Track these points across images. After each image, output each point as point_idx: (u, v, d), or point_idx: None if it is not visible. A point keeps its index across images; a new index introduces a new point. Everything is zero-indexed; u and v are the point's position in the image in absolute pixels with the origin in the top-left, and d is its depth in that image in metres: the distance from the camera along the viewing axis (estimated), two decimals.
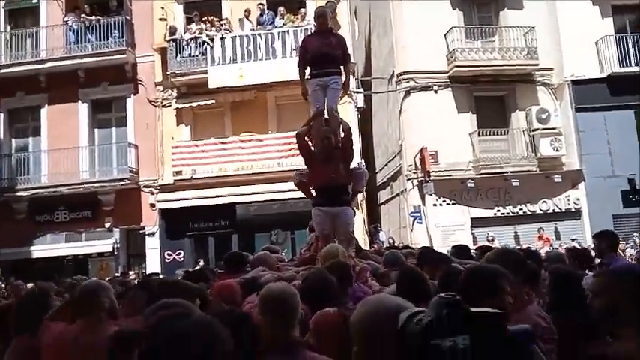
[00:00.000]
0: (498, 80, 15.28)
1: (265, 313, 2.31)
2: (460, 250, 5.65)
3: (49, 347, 2.64)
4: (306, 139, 6.28)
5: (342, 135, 6.07)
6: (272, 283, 3.08)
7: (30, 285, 6.15)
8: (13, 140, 16.46)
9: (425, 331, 1.12)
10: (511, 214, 14.84)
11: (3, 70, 15.83)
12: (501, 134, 15.28)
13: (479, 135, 14.96)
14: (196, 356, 0.99)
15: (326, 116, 6.52)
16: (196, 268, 8.08)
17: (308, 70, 6.41)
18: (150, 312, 1.92)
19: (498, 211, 14.85)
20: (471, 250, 6.26)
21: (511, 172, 14.54)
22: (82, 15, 15.84)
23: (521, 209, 14.87)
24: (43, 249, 15.25)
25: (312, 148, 6.38)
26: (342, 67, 6.44)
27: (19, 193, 15.21)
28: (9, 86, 15.91)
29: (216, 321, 1.19)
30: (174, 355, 1.03)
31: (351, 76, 13.69)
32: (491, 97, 15.59)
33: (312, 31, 6.64)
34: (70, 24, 15.81)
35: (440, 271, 3.83)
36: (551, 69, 15.58)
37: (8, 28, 16.69)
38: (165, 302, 1.38)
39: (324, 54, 6.14)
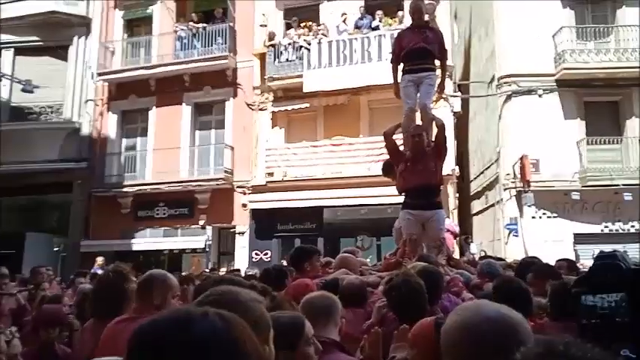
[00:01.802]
0: (613, 84, 14.01)
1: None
2: (567, 265, 5.14)
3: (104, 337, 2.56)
4: (394, 138, 6.03)
5: (436, 132, 5.74)
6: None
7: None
8: (124, 139, 17.70)
9: (576, 286, 0.89)
10: (620, 231, 13.49)
11: (118, 75, 17.11)
12: (614, 143, 13.97)
13: (588, 143, 13.78)
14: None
15: (418, 113, 6.25)
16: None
17: (401, 67, 6.17)
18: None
19: (606, 227, 13.58)
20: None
21: (623, 185, 13.22)
22: (190, 23, 16.74)
23: (632, 226, 13.47)
24: (143, 242, 16.15)
25: (402, 148, 6.14)
26: (438, 63, 6.14)
27: (125, 189, 16.26)
28: (123, 90, 17.20)
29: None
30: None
31: (449, 79, 13.30)
32: (603, 102, 14.36)
33: (408, 26, 6.37)
34: (178, 32, 16.78)
35: (549, 284, 3.44)
36: None
37: (125, 36, 18.05)
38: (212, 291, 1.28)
39: (418, 49, 5.86)
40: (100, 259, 12.69)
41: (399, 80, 6.18)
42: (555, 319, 3.12)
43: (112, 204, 16.25)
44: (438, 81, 6.26)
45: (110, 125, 17.43)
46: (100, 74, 17.19)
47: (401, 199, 5.98)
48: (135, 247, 16.01)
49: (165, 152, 16.10)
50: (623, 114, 14.26)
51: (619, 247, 12.55)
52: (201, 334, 0.84)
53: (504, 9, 14.73)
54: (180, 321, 0.87)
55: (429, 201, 5.56)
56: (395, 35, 13.86)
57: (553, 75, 14.22)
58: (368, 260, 7.92)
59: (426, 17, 6.50)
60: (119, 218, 16.19)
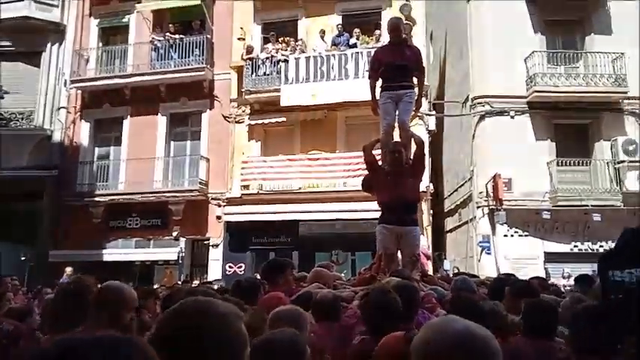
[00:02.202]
0: (581, 108, 14.42)
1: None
2: (540, 283, 5.21)
3: None
4: (373, 152, 6.07)
5: (415, 149, 5.80)
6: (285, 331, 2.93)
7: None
8: (97, 148, 17.40)
9: (603, 262, 0.90)
10: (589, 251, 13.77)
11: (92, 84, 16.89)
12: (583, 164, 14.35)
13: (558, 164, 14.12)
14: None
15: (397, 130, 6.30)
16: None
17: (379, 84, 6.21)
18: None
19: (575, 246, 13.86)
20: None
21: (592, 206, 13.57)
22: (167, 33, 16.66)
23: (601, 246, 13.75)
24: (114, 253, 15.85)
25: (380, 163, 6.17)
26: (415, 80, 6.20)
27: (96, 199, 15.98)
28: (97, 98, 17.00)
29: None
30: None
31: (424, 99, 13.52)
32: (572, 125, 14.73)
33: (386, 43, 6.42)
34: (155, 42, 16.67)
35: (524, 303, 3.45)
36: None
37: (100, 44, 17.84)
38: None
39: (397, 66, 5.91)
40: (68, 270, 12.40)
41: (377, 96, 6.23)
42: (529, 336, 3.14)
43: (83, 213, 15.92)
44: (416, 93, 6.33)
45: (83, 134, 17.15)
46: (73, 82, 16.97)
47: (376, 214, 5.99)
48: (106, 258, 15.68)
49: (139, 162, 15.91)
50: (591, 137, 14.67)
51: (587, 267, 12.91)
52: None
53: (479, 32, 15.09)
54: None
55: (405, 216, 5.58)
56: (372, 53, 14.31)
57: (525, 97, 14.56)
58: (342, 275, 7.88)
59: (403, 35, 6.59)
60: (90, 228, 15.86)
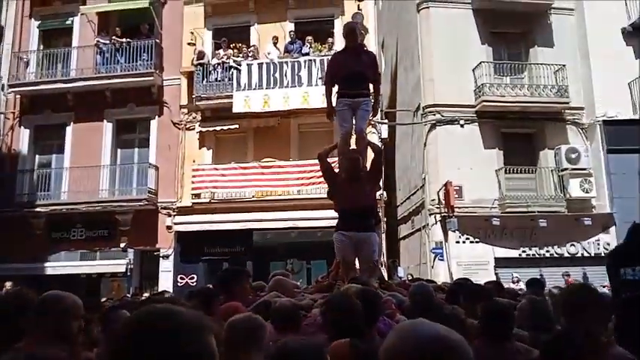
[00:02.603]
0: (527, 117, 14.94)
1: (227, 342, 2.15)
2: (495, 287, 5.27)
3: None
4: (328, 160, 6.00)
5: (372, 156, 5.78)
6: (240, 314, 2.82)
7: None
8: (37, 156, 16.59)
9: (612, 259, 0.80)
10: (537, 256, 14.24)
11: (32, 88, 16.10)
12: (529, 172, 14.84)
13: (506, 172, 14.53)
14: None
15: (354, 137, 6.26)
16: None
17: (335, 89, 6.16)
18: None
19: (524, 251, 14.28)
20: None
21: (538, 212, 14.03)
22: (113, 37, 16.09)
23: (547, 251, 14.27)
24: (57, 266, 15.15)
25: (337, 170, 6.11)
26: (371, 87, 6.19)
27: (37, 209, 15.20)
28: (37, 104, 16.24)
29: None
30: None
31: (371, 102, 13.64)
32: (519, 134, 15.23)
33: (342, 48, 6.38)
34: (100, 45, 16.06)
35: (481, 306, 3.45)
36: (582, 108, 15.22)
37: (41, 47, 17.04)
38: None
39: (355, 73, 5.87)
40: (8, 284, 11.64)
41: (333, 103, 6.16)
42: (487, 339, 3.11)
43: (23, 225, 15.05)
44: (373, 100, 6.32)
45: (22, 140, 16.31)
46: (11, 86, 16.15)
47: (331, 222, 5.91)
48: (49, 272, 14.97)
49: (84, 171, 15.23)
50: (537, 145, 15.20)
51: (535, 272, 13.34)
52: None
53: (428, 42, 15.39)
54: None
55: (362, 223, 5.51)
56: (325, 61, 14.34)
57: (474, 107, 14.94)
58: (299, 283, 7.74)
59: (360, 40, 6.57)
60: (31, 240, 15.01)
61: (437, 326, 1.17)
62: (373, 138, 13.76)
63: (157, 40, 16.04)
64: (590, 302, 2.59)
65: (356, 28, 6.34)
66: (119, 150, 16.32)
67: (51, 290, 2.52)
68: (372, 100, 6.17)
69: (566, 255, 14.29)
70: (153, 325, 0.94)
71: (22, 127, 16.40)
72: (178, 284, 14.14)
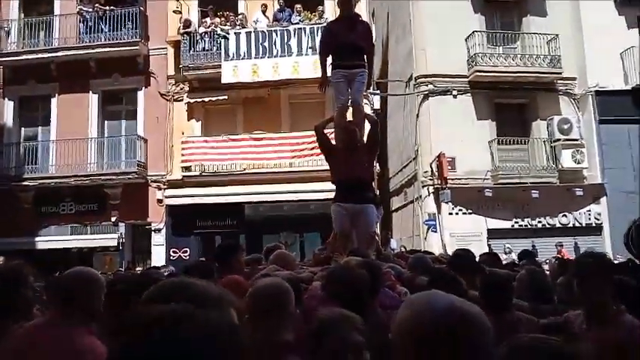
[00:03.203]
0: (519, 87, 14.84)
1: (251, 311, 2.06)
2: (491, 258, 5.24)
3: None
4: (325, 132, 5.91)
5: (368, 127, 5.70)
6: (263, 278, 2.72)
7: None
8: (23, 129, 16.25)
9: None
10: (529, 227, 14.34)
11: (15, 58, 15.63)
12: (521, 143, 14.81)
13: (498, 143, 14.49)
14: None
15: (350, 110, 6.16)
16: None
17: (330, 60, 6.02)
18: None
19: (516, 222, 14.36)
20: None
21: (531, 183, 14.06)
22: (96, 5, 15.58)
23: (540, 222, 14.36)
24: (47, 240, 15.00)
25: (333, 142, 6.02)
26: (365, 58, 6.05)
27: (25, 183, 14.93)
28: (20, 74, 15.77)
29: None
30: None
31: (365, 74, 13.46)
32: (511, 104, 15.15)
33: (336, 17, 6.21)
34: (83, 14, 15.56)
35: (479, 278, 3.43)
36: (574, 78, 15.13)
37: (22, 15, 16.48)
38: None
39: (351, 44, 5.75)
40: (0, 259, 11.49)
41: (328, 73, 6.02)
42: (488, 311, 3.08)
43: (11, 199, 14.77)
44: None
45: (6, 113, 15.91)
46: None
47: (324, 195, 5.85)
48: (39, 246, 14.82)
49: (71, 143, 14.94)
50: (529, 116, 15.15)
51: (528, 242, 13.46)
52: None
53: (420, 11, 15.10)
54: None
55: (360, 195, 5.45)
56: (315, 30, 14.06)
57: (466, 77, 14.79)
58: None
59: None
60: (19, 214, 14.75)
61: (452, 297, 1.11)
62: (366, 109, 13.60)
63: (142, 8, 15.56)
64: (598, 270, 2.54)
65: None
66: (106, 122, 16.00)
67: (43, 266, 2.46)
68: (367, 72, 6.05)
69: (558, 225, 14.40)
70: (169, 298, 0.84)
71: (5, 98, 15.98)
72: (171, 258, 14.07)
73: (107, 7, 15.51)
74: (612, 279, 2.49)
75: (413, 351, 1.05)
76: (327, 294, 2.95)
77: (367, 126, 6.07)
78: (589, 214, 14.43)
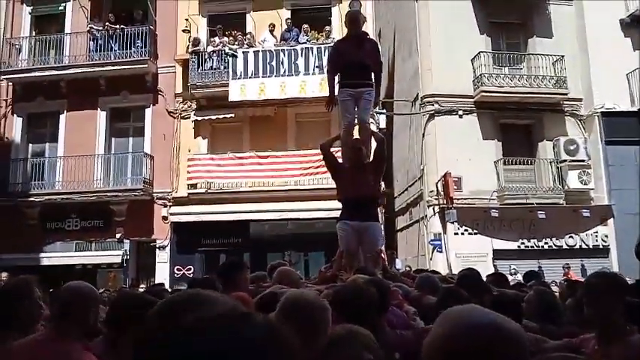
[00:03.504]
0: (525, 108, 14.85)
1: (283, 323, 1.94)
2: (499, 279, 5.19)
3: None
4: (331, 150, 5.94)
5: (375, 146, 5.73)
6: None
7: None
8: (30, 145, 16.36)
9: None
10: (536, 248, 14.21)
11: (25, 75, 15.81)
12: (527, 164, 14.77)
13: (504, 163, 14.45)
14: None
15: (357, 128, 6.19)
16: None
17: (337, 78, 6.07)
18: None
19: (522, 243, 14.24)
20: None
21: (537, 204, 13.96)
22: (107, 24, 15.82)
23: (546, 243, 14.23)
24: (52, 256, 14.96)
25: (340, 160, 6.04)
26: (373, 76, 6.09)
27: (31, 198, 14.98)
28: (30, 91, 15.95)
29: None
30: None
31: (373, 93, 13.55)
32: (517, 124, 15.14)
33: (344, 36, 6.29)
34: (93, 32, 15.79)
35: (487, 298, 3.40)
36: (580, 99, 15.15)
37: (33, 33, 16.74)
38: None
39: (359, 63, 5.79)
40: (4, 275, 11.49)
41: (336, 92, 6.06)
42: None
43: (16, 215, 14.83)
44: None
45: (15, 129, 16.05)
46: (3, 72, 15.88)
47: (329, 213, 5.87)
48: (44, 262, 14.77)
49: (78, 160, 15.03)
50: (535, 136, 15.12)
51: (534, 264, 13.31)
52: None
53: (427, 31, 15.22)
54: None
55: (366, 213, 5.44)
56: (322, 50, 14.19)
57: (472, 97, 14.82)
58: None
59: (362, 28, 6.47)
60: (25, 230, 14.79)
61: (491, 313, 1.08)
62: (372, 128, 13.65)
63: (151, 27, 15.78)
64: (609, 289, 2.50)
65: (359, 16, 6.28)
66: (113, 139, 16.10)
67: (47, 282, 2.48)
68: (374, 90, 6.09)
69: (565, 247, 14.26)
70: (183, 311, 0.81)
71: (14, 115, 16.13)
72: (175, 275, 14.01)
73: (117, 26, 15.74)
74: (624, 298, 2.45)
75: None
76: (335, 312, 2.92)
77: (374, 144, 6.10)
78: (596, 236, 14.30)
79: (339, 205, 5.63)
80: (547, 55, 15.04)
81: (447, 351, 1.00)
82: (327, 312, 2.11)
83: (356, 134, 6.29)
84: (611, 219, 14.26)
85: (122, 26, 15.75)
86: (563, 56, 14.82)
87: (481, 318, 1.03)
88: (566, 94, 14.84)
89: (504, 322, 1.03)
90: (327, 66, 6.37)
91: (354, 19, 6.12)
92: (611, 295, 2.44)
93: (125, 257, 14.74)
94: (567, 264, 13.23)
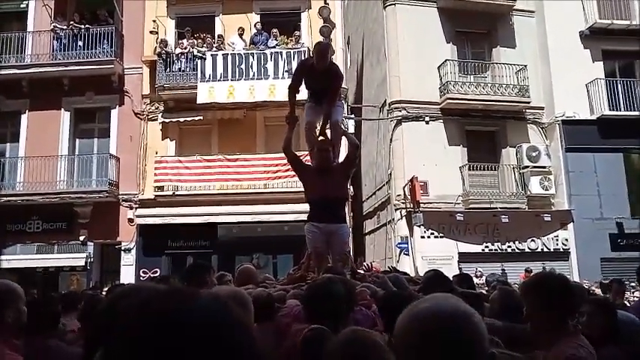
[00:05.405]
0: (490, 115, 15.25)
1: None
2: (463, 279, 5.32)
3: None
4: (293, 150, 5.88)
5: (349, 150, 5.73)
6: None
7: None
8: None
9: None
10: (499, 251, 14.57)
11: None
12: (491, 169, 15.15)
13: (469, 169, 14.79)
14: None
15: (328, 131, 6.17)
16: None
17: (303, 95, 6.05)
18: None
19: (486, 247, 14.58)
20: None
21: (500, 208, 14.34)
22: (71, 23, 15.48)
23: (509, 246, 14.62)
24: (12, 259, 14.57)
25: (309, 163, 6.03)
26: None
27: None
28: None
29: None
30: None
31: (343, 102, 13.63)
32: (482, 131, 15.52)
33: (311, 63, 6.01)
34: (57, 31, 15.42)
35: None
36: (542, 108, 15.66)
37: None
38: None
39: (323, 90, 5.80)
40: None
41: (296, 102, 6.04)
42: None
43: None
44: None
45: None
46: None
47: (298, 216, 5.86)
48: (3, 265, 14.36)
49: (41, 161, 14.62)
50: (499, 143, 15.54)
51: (498, 266, 13.63)
52: None
53: (395, 39, 15.47)
54: None
55: (334, 214, 5.46)
56: (291, 54, 14.22)
57: (439, 104, 15.13)
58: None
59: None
60: None
61: (452, 298, 1.15)
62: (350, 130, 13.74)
63: (118, 27, 15.52)
64: (559, 290, 2.56)
65: (328, 49, 6.09)
66: (77, 140, 15.74)
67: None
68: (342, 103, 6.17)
69: (527, 250, 14.68)
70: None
71: None
72: (141, 278, 13.76)
73: (82, 26, 15.41)
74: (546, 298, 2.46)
75: (415, 353, 1.04)
76: (306, 308, 2.95)
77: (345, 144, 6.10)
78: (557, 240, 14.77)
79: (307, 208, 5.63)
80: (510, 64, 15.50)
81: (423, 331, 1.05)
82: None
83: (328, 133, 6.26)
84: (571, 223, 14.75)
85: (87, 26, 15.44)
86: (525, 66, 15.30)
87: (456, 304, 1.11)
88: (528, 103, 15.31)
89: (472, 310, 1.11)
90: (291, 82, 6.13)
91: (323, 54, 5.61)
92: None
93: (89, 260, 14.42)
94: (529, 267, 13.56)
